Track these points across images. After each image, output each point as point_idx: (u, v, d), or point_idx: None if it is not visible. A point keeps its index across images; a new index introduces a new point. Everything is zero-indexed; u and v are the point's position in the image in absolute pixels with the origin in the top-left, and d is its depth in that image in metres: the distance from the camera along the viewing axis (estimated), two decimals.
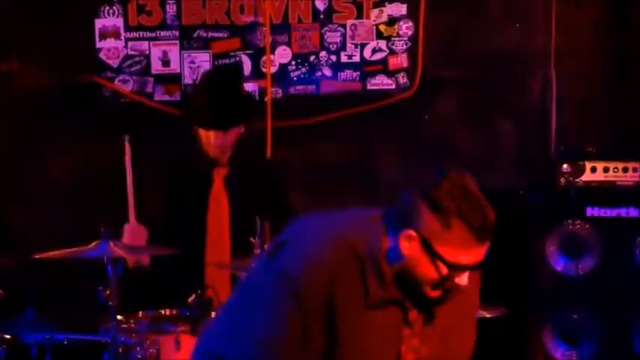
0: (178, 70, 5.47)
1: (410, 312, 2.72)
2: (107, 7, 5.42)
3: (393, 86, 5.52)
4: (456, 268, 2.60)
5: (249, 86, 5.40)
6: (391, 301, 2.67)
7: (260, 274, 2.74)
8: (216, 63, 5.43)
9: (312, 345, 2.64)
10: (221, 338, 2.75)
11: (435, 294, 2.66)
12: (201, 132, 4.65)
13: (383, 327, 2.69)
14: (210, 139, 4.63)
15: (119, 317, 4.14)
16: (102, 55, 5.46)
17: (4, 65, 5.43)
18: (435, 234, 2.57)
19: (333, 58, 5.48)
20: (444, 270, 2.60)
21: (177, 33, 5.44)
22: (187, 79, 5.43)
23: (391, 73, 5.50)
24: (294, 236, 2.74)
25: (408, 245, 2.61)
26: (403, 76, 5.51)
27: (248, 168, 4.77)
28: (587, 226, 4.98)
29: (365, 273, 2.65)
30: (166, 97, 5.47)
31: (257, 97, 5.44)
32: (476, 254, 2.61)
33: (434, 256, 2.58)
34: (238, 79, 5.05)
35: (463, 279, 2.63)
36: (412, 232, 2.59)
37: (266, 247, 4.21)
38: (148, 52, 5.47)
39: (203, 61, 5.45)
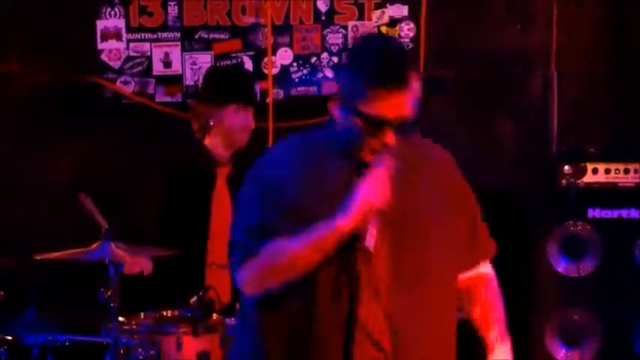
0: (180, 72, 5.47)
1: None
2: (108, 9, 5.42)
3: None
4: (373, 121, 2.60)
5: None
6: (354, 180, 2.66)
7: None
8: (217, 64, 5.43)
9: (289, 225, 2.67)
10: None
11: (370, 157, 2.66)
12: (228, 116, 4.63)
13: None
14: (245, 119, 4.64)
15: (120, 318, 4.14)
16: (103, 57, 5.46)
17: (4, 65, 5.43)
18: (349, 89, 2.64)
19: (335, 59, 5.48)
20: (365, 124, 2.62)
21: (178, 34, 5.45)
22: (189, 81, 5.44)
23: None
24: None
25: (336, 109, 2.68)
26: None
27: (249, 168, 4.77)
28: (588, 227, 4.98)
29: (324, 155, 2.73)
30: (168, 99, 5.47)
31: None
32: (390, 104, 2.60)
33: (351, 110, 2.62)
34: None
35: (389, 137, 2.62)
36: (334, 96, 2.68)
37: None
38: (149, 54, 5.47)
39: (204, 62, 5.45)
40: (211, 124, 4.65)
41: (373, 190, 2.59)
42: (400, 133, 2.68)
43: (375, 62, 2.62)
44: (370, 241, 2.58)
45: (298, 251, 2.64)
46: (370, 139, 2.64)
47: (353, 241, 2.63)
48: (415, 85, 2.63)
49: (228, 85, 4.72)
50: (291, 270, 2.66)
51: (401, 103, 2.62)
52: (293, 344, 2.71)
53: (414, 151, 2.78)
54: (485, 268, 2.98)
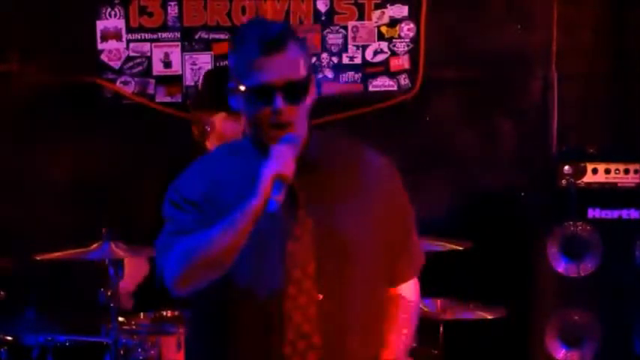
0: (180, 72, 5.47)
1: (299, 197, 2.72)
2: (108, 9, 5.41)
3: (395, 87, 5.52)
4: (253, 89, 2.66)
5: None
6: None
7: None
8: (217, 64, 5.43)
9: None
10: None
11: (272, 132, 2.69)
12: (219, 122, 4.63)
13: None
14: (234, 126, 4.62)
15: (120, 318, 4.15)
16: (103, 57, 5.45)
17: (4, 65, 5.43)
18: (232, 73, 2.73)
19: (335, 59, 5.48)
20: (251, 99, 2.68)
21: (178, 34, 5.44)
22: (189, 81, 5.43)
23: (393, 75, 5.50)
24: None
25: (232, 100, 2.78)
26: (405, 78, 5.51)
27: None
28: (588, 227, 4.98)
29: (237, 152, 2.82)
30: (168, 99, 5.47)
31: None
32: (264, 67, 2.65)
33: (237, 91, 2.70)
34: None
35: (278, 104, 2.65)
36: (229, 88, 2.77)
37: None
38: (149, 54, 5.46)
39: (204, 62, 5.45)
40: (207, 129, 4.67)
41: (275, 163, 2.61)
42: (327, 136, 2.79)
43: (246, 37, 2.69)
44: (273, 204, 2.59)
45: (214, 236, 2.63)
46: (264, 117, 2.68)
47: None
48: (293, 48, 2.67)
49: (216, 92, 4.71)
50: (207, 257, 2.64)
51: (279, 65, 2.65)
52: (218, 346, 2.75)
53: (342, 155, 2.83)
54: (406, 288, 2.94)
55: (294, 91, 2.68)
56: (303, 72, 2.69)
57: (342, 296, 2.73)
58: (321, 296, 2.69)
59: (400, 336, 2.88)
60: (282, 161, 2.62)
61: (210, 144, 4.69)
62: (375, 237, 2.78)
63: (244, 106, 2.74)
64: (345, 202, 2.76)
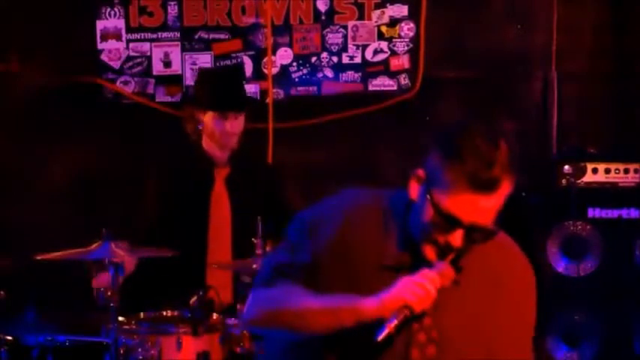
0: (180, 72, 5.47)
1: None
2: (108, 9, 5.41)
3: (395, 87, 5.52)
4: (445, 216, 2.40)
5: (251, 87, 5.40)
6: (405, 268, 2.49)
7: None
8: (217, 64, 5.43)
9: (321, 281, 2.52)
10: None
11: (430, 252, 2.47)
12: (208, 121, 4.64)
13: None
14: (225, 125, 4.63)
15: (120, 318, 4.14)
16: (103, 57, 5.45)
17: (4, 65, 5.43)
18: (434, 172, 2.42)
19: (335, 59, 5.48)
20: (435, 216, 2.41)
21: (178, 34, 5.44)
22: (189, 81, 5.43)
23: (393, 74, 5.50)
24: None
25: (415, 186, 2.49)
26: (404, 77, 5.51)
27: (248, 169, 4.78)
28: (588, 227, 4.98)
29: (386, 227, 2.53)
30: (168, 99, 5.47)
31: (258, 97, 5.46)
32: (471, 207, 2.39)
33: (427, 194, 2.42)
34: (240, 71, 5.15)
35: (456, 238, 2.43)
36: (420, 171, 2.48)
37: (267, 247, 4.22)
38: (149, 54, 5.46)
39: (204, 62, 5.44)
40: (200, 127, 4.69)
41: (415, 292, 2.41)
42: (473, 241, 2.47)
43: (471, 161, 2.38)
44: (383, 332, 2.40)
45: (310, 305, 2.48)
46: (436, 231, 2.44)
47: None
48: (504, 192, 2.41)
49: (204, 92, 4.73)
50: (292, 320, 2.51)
51: (483, 210, 2.41)
52: None
53: (484, 260, 2.57)
54: None
55: (483, 235, 2.46)
56: (498, 215, 2.43)
57: None
58: None
59: None
60: (421, 297, 2.41)
61: (205, 142, 4.70)
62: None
63: (425, 199, 2.45)
64: (476, 320, 2.55)
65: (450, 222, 2.41)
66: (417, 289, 2.42)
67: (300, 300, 2.50)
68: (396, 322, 2.41)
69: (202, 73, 4.98)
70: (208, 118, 4.65)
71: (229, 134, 4.64)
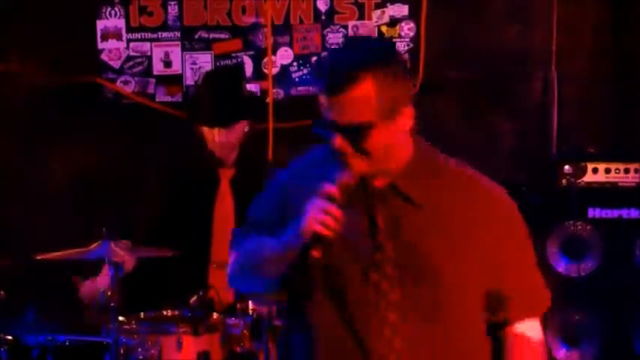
0: (180, 71, 5.47)
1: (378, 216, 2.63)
2: (109, 8, 5.42)
3: None
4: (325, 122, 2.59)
5: (251, 87, 5.40)
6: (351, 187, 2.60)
7: None
8: (217, 64, 5.44)
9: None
10: None
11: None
12: (206, 131, 4.67)
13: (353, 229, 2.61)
14: (214, 137, 4.65)
15: (121, 318, 4.14)
16: (104, 56, 5.46)
17: (4, 65, 5.43)
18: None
19: None
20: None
21: (178, 34, 5.44)
22: (189, 80, 5.43)
23: None
24: None
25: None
26: None
27: (251, 169, 4.79)
28: (588, 227, 4.98)
29: (327, 162, 2.68)
30: (168, 98, 5.47)
31: (259, 95, 5.45)
32: (336, 107, 2.55)
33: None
34: (239, 78, 5.12)
35: (337, 141, 2.57)
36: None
37: None
38: (149, 53, 5.47)
39: (205, 62, 5.44)
40: (207, 141, 4.71)
41: (316, 217, 2.52)
42: (435, 166, 2.70)
43: (324, 70, 2.60)
44: (315, 253, 2.51)
45: (266, 250, 2.64)
46: (338, 144, 2.59)
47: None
48: (365, 87, 2.52)
49: (195, 106, 4.75)
50: (259, 266, 2.67)
51: (343, 107, 2.54)
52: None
53: (450, 190, 2.68)
54: (529, 328, 2.79)
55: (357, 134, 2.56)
56: (369, 115, 2.54)
57: (430, 328, 2.62)
58: (405, 326, 2.60)
59: None
60: (323, 218, 2.51)
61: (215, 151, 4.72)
62: (472, 274, 2.65)
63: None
64: (438, 234, 2.62)
65: (332, 129, 2.58)
66: (317, 212, 2.53)
67: (261, 247, 2.67)
68: (318, 248, 2.51)
69: (198, 87, 5.02)
70: (215, 133, 4.67)
71: (221, 145, 4.65)
